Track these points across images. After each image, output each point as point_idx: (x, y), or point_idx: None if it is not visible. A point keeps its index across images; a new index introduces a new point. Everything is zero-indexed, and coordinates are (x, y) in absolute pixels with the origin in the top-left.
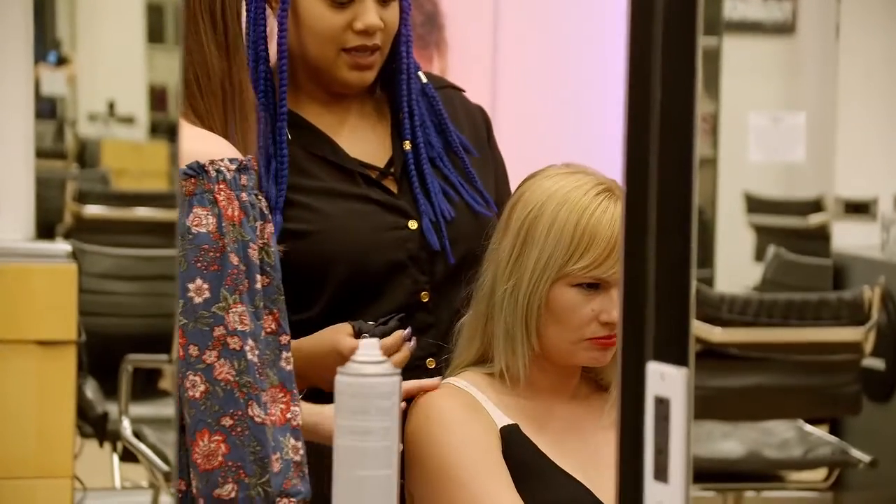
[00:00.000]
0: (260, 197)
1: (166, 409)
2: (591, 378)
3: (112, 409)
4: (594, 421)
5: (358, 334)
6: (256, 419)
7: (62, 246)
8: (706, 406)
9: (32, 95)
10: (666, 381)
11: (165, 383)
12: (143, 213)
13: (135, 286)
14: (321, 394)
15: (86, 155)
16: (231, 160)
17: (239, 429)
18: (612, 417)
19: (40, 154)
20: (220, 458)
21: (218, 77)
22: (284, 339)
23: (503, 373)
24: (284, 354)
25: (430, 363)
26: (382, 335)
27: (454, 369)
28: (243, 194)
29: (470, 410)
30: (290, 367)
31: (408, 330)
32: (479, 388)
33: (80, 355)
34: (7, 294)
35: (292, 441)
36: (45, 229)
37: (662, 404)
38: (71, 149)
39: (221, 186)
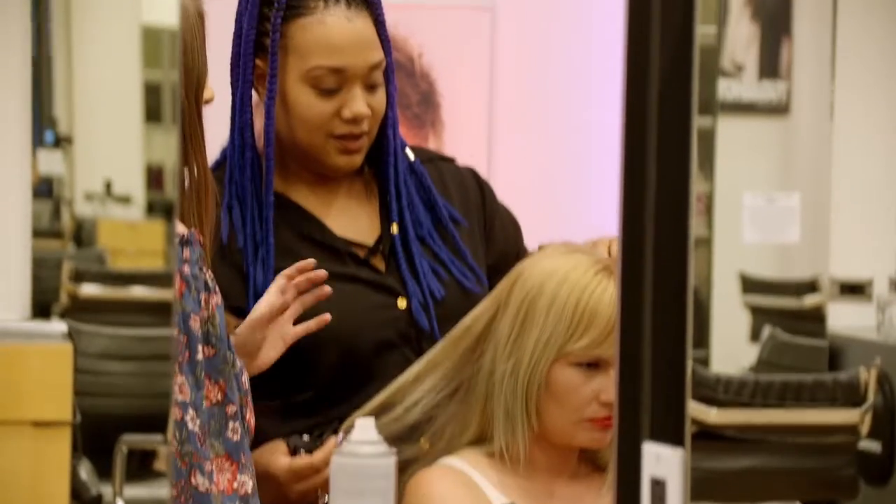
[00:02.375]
0: (204, 269)
1: (161, 490)
2: (589, 458)
3: (106, 490)
4: (592, 501)
5: (294, 451)
6: (200, 488)
7: (58, 326)
8: (702, 487)
9: (29, 175)
10: (662, 461)
11: (161, 464)
12: (139, 292)
13: (130, 366)
14: None
15: (82, 234)
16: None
17: (183, 498)
18: (609, 499)
19: (37, 234)
20: None
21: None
22: (231, 409)
23: (502, 452)
24: (231, 424)
25: (424, 444)
26: (317, 447)
27: (451, 447)
28: (185, 267)
29: (466, 492)
30: (236, 438)
31: (340, 435)
32: (476, 468)
33: (75, 436)
34: (2, 374)
35: None
36: (41, 309)
37: (658, 485)
38: (67, 228)
39: None
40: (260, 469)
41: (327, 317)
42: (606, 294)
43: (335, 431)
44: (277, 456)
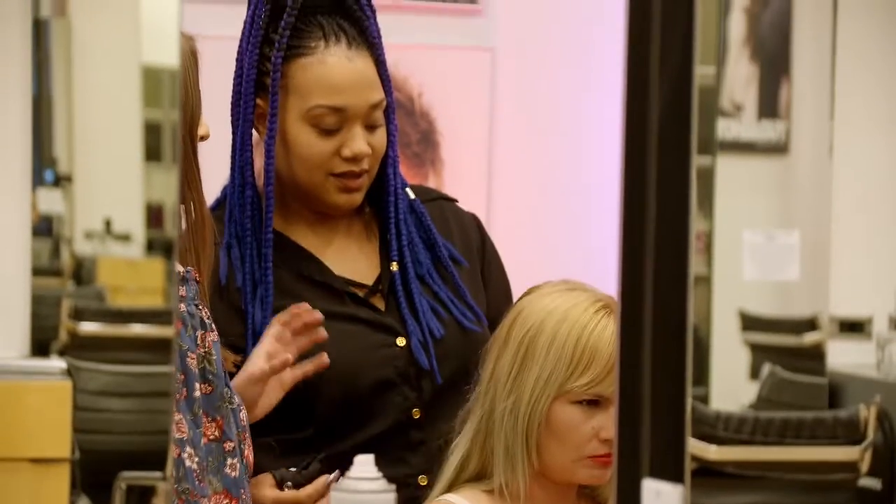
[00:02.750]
0: (201, 307)
1: None
2: (587, 495)
3: None
4: None
5: (280, 483)
6: None
7: (57, 363)
8: None
9: (29, 214)
10: (662, 498)
11: (159, 501)
12: (138, 329)
13: (129, 403)
14: None
15: (82, 272)
16: None
17: None
18: None
19: (36, 272)
20: None
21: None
22: (229, 445)
23: (502, 489)
24: (230, 461)
25: (423, 480)
26: (306, 480)
27: (450, 485)
28: (181, 304)
29: None
30: (235, 474)
31: (334, 474)
32: None
33: (74, 473)
34: (0, 411)
35: None
36: (41, 346)
37: None
38: (67, 266)
39: None
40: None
41: (326, 360)
42: (607, 332)
43: (321, 463)
44: (264, 488)
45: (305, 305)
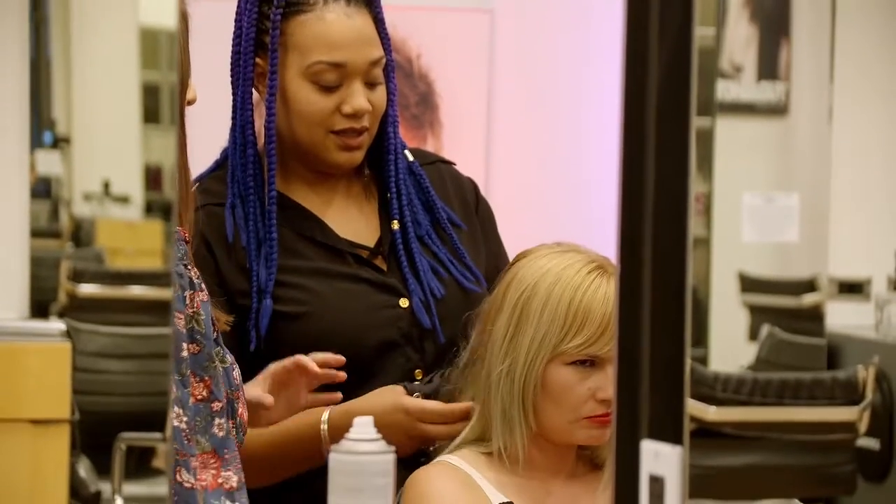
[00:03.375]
0: (189, 266)
1: (160, 487)
2: (586, 456)
3: (105, 487)
4: (590, 500)
5: (410, 394)
6: (185, 484)
7: (56, 325)
8: (701, 485)
9: (28, 175)
10: (660, 459)
11: (159, 462)
12: (137, 291)
13: (128, 364)
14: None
15: (80, 234)
16: None
17: (169, 494)
18: (608, 495)
19: (35, 234)
20: None
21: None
22: (216, 405)
23: (501, 452)
24: (217, 421)
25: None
26: (433, 392)
27: (451, 447)
28: None
29: (465, 489)
30: (222, 434)
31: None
32: (474, 467)
33: (74, 434)
34: (0, 373)
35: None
36: (40, 308)
37: (657, 483)
38: (66, 228)
39: None
40: (388, 404)
41: (338, 396)
42: (600, 292)
43: (442, 377)
44: (402, 395)
45: (304, 360)
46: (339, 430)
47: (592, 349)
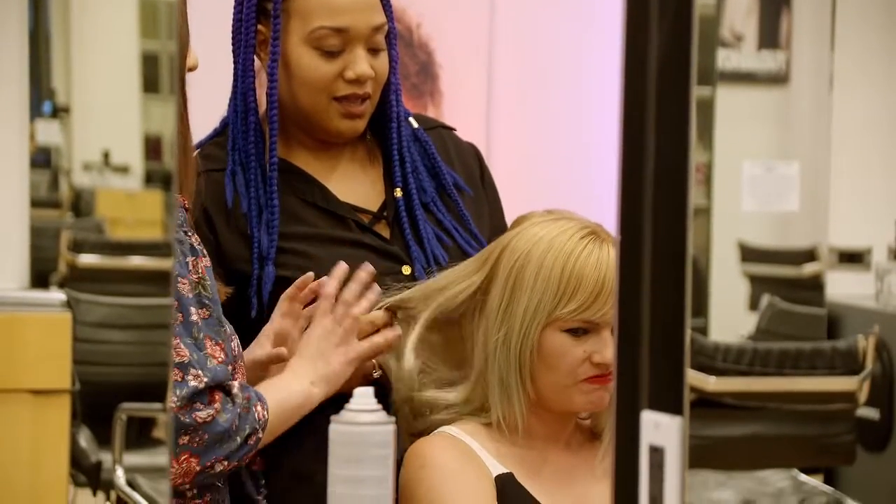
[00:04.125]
0: (190, 233)
1: (160, 458)
2: (586, 427)
3: (106, 458)
4: (589, 469)
5: None
6: (209, 420)
7: (56, 295)
8: (701, 455)
9: (27, 145)
10: (660, 429)
11: (159, 432)
12: (137, 261)
13: (129, 335)
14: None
15: (80, 204)
16: None
17: (197, 438)
18: (606, 466)
19: (35, 203)
20: (195, 468)
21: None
22: (229, 368)
23: (500, 422)
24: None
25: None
26: None
27: (451, 417)
28: None
29: (465, 460)
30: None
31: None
32: (474, 437)
33: (74, 404)
34: (1, 343)
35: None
36: (40, 278)
37: (657, 453)
38: (66, 198)
39: None
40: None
41: (397, 332)
42: (592, 258)
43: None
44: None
45: (310, 275)
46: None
47: (586, 314)
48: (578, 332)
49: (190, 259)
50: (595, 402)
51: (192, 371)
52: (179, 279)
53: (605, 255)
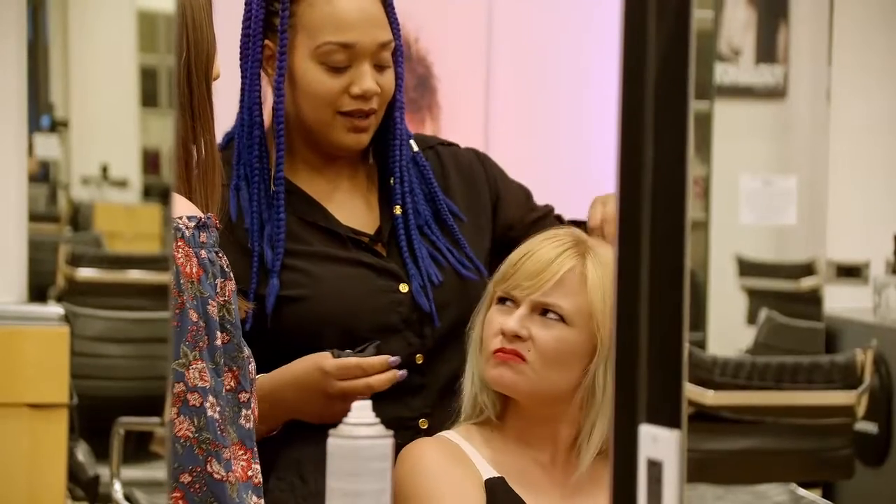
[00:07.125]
0: (220, 255)
1: (158, 472)
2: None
3: (103, 472)
4: (585, 480)
5: (335, 358)
6: (216, 476)
7: (54, 309)
8: (699, 469)
9: (25, 159)
10: (658, 443)
11: (157, 446)
12: (135, 275)
13: (127, 349)
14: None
15: (79, 218)
16: (190, 218)
17: (197, 485)
18: (601, 477)
19: (33, 217)
20: None
21: (181, 137)
22: (244, 396)
23: (489, 420)
24: (244, 412)
25: (423, 423)
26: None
27: (452, 422)
28: (202, 251)
29: (455, 462)
30: (249, 425)
31: (395, 358)
32: (468, 441)
33: (72, 418)
34: None
35: (254, 499)
36: (38, 292)
37: (655, 467)
38: (64, 212)
39: (180, 244)
40: (309, 365)
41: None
42: (545, 251)
43: (377, 349)
44: (325, 357)
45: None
46: (261, 398)
47: (507, 287)
48: (504, 303)
49: (219, 281)
50: (495, 379)
51: (210, 399)
52: (209, 301)
53: (564, 257)
